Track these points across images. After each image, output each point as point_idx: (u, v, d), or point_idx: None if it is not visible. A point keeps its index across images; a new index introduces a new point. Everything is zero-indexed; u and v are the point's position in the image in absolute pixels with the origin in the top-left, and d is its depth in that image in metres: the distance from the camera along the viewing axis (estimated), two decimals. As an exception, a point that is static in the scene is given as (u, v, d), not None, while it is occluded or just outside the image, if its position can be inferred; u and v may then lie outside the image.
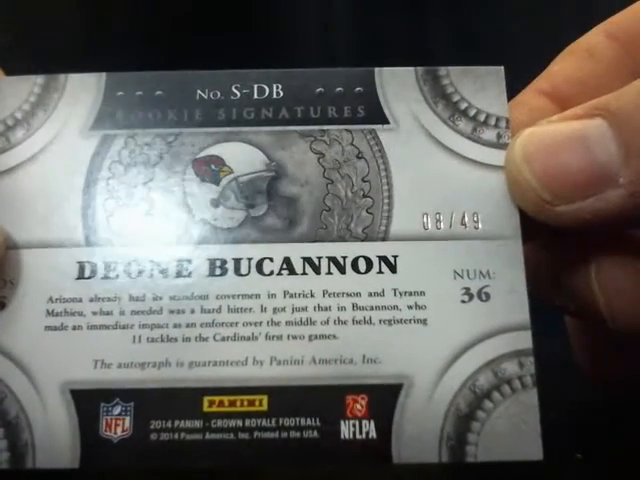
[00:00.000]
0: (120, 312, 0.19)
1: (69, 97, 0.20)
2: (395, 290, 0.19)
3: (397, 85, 0.20)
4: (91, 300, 0.19)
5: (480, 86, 0.21)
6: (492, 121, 0.21)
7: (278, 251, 0.19)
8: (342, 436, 0.18)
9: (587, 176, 0.18)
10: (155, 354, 0.18)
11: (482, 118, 0.21)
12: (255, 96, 0.20)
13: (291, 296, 0.19)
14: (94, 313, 0.19)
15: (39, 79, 0.21)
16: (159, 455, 0.17)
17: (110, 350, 0.18)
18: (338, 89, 0.20)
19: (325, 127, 0.20)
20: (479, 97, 0.21)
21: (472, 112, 0.20)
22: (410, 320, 0.18)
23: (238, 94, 0.20)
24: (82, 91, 0.20)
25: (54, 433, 0.18)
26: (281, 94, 0.20)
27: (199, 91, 0.20)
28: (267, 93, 0.20)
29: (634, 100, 0.18)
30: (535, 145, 0.19)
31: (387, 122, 0.20)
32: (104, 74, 0.21)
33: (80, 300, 0.19)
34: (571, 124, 0.19)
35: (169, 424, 0.18)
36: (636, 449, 0.23)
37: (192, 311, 0.18)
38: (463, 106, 0.21)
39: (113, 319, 0.19)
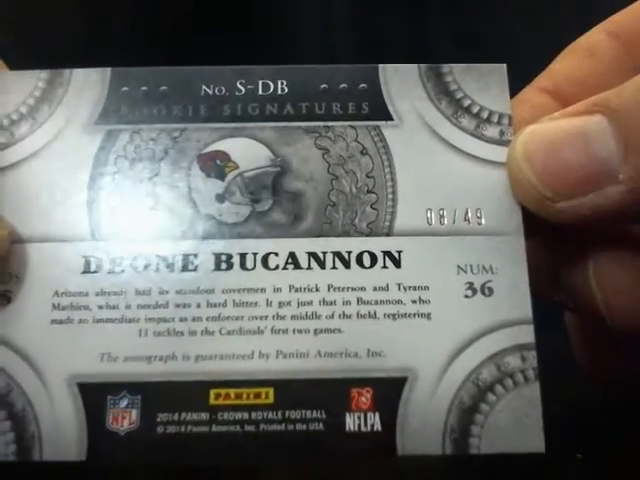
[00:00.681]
0: (126, 306, 0.19)
1: (74, 92, 0.21)
2: (399, 285, 0.19)
3: (401, 82, 0.21)
4: (97, 294, 0.19)
5: (483, 83, 0.21)
6: (495, 118, 0.21)
7: (283, 246, 0.19)
8: (347, 429, 0.18)
9: (587, 172, 0.19)
10: (161, 347, 0.18)
11: (485, 115, 0.21)
12: (260, 92, 0.21)
13: (296, 290, 0.19)
14: (100, 307, 0.19)
15: (43, 74, 0.21)
16: (166, 448, 0.18)
17: (116, 344, 0.18)
18: (342, 85, 0.21)
19: (330, 123, 0.20)
20: (482, 94, 0.21)
21: (475, 109, 0.21)
22: (414, 314, 0.19)
23: (243, 90, 0.20)
24: (86, 86, 0.21)
25: (61, 426, 0.18)
26: (286, 90, 0.20)
27: (204, 87, 0.21)
28: (272, 89, 0.21)
29: (633, 96, 0.19)
30: (536, 143, 0.19)
31: (391, 119, 0.20)
32: (109, 69, 0.21)
33: (86, 294, 0.19)
34: (571, 121, 0.19)
35: (176, 417, 0.18)
36: (636, 449, 0.23)
37: (198, 305, 0.19)
38: (466, 103, 0.21)
39: (119, 313, 0.19)
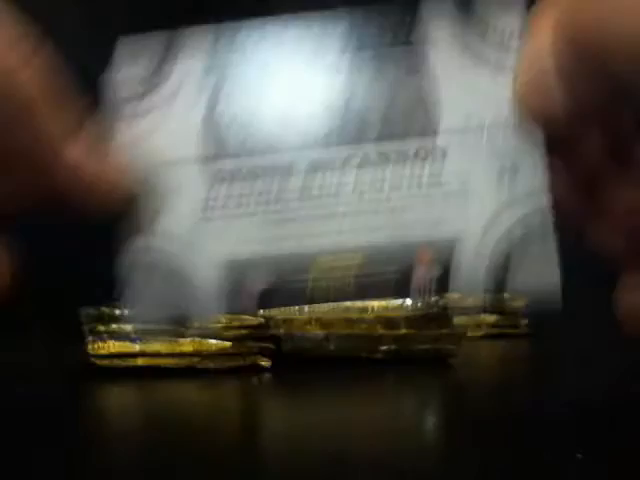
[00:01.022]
0: (250, 204, 0.24)
1: (187, 50, 0.26)
2: (448, 172, 0.24)
3: (437, 12, 0.25)
4: (227, 198, 0.24)
5: (505, 5, 0.25)
6: (516, 34, 0.24)
7: (359, 150, 0.24)
8: (416, 278, 0.23)
9: (536, 87, 0.22)
10: (279, 232, 0.24)
11: (508, 32, 0.24)
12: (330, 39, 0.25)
13: (372, 182, 0.24)
14: (232, 206, 0.24)
15: (160, 36, 0.26)
16: (288, 300, 0.24)
17: (247, 232, 0.24)
18: (393, 17, 0.25)
19: (384, 50, 0.25)
20: (504, 15, 0.25)
21: (500, 27, 0.24)
22: (460, 193, 0.24)
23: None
24: (195, 44, 0.26)
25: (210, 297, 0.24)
26: (347, 34, 0.25)
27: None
28: (336, 32, 0.25)
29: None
30: (520, 64, 0.23)
31: (431, 42, 0.25)
32: (212, 27, 0.26)
33: (220, 199, 0.24)
34: (536, 40, 0.22)
35: (295, 278, 0.24)
36: (636, 449, 0.24)
37: (301, 199, 0.24)
38: (492, 23, 0.25)
39: (247, 210, 0.24)
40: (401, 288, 0.23)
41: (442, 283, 0.23)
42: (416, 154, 0.24)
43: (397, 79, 0.25)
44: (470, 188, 0.24)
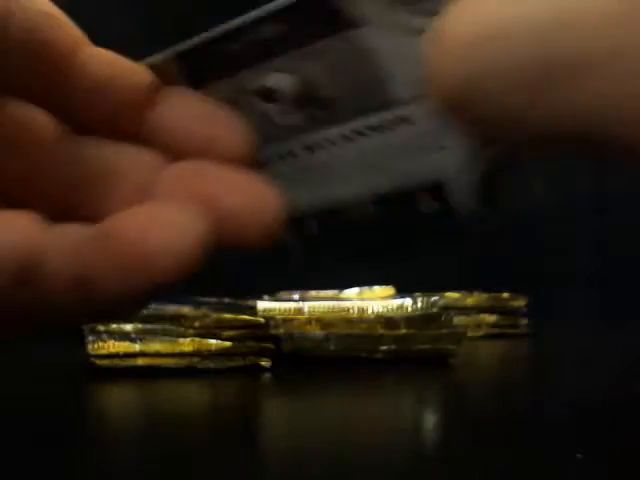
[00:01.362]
0: (288, 179, 0.27)
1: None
2: (418, 134, 0.26)
3: None
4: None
5: None
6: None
7: (337, 131, 0.27)
8: (420, 210, 0.26)
9: None
10: (312, 195, 0.27)
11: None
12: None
13: (359, 154, 0.27)
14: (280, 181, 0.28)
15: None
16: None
17: (291, 196, 0.26)
18: (324, 9, 0.25)
19: (325, 42, 0.26)
20: None
21: None
22: (434, 147, 0.26)
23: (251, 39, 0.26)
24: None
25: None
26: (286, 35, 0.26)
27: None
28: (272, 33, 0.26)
29: None
30: None
31: (366, 24, 0.25)
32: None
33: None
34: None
35: (330, 224, 0.27)
36: (636, 449, 0.23)
37: (309, 173, 0.28)
38: None
39: (287, 182, 0.27)
40: (409, 218, 0.27)
41: (442, 210, 0.26)
42: (385, 127, 0.27)
43: (344, 67, 0.27)
44: (442, 141, 0.26)
